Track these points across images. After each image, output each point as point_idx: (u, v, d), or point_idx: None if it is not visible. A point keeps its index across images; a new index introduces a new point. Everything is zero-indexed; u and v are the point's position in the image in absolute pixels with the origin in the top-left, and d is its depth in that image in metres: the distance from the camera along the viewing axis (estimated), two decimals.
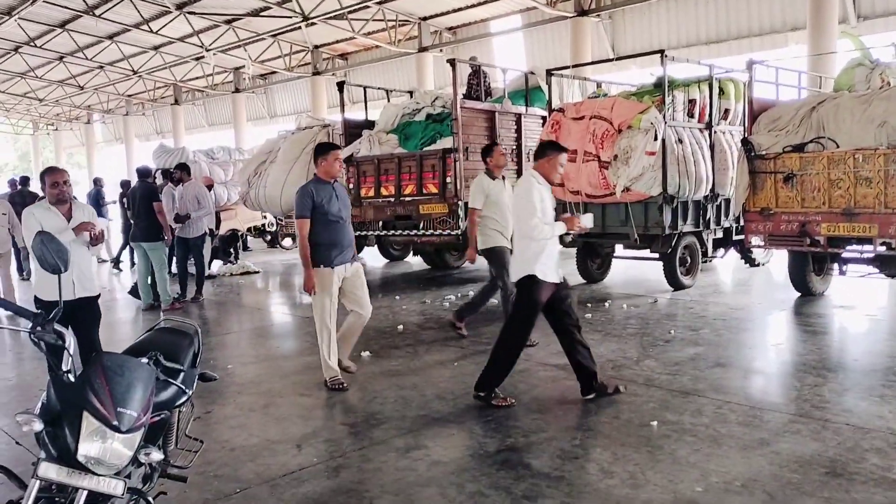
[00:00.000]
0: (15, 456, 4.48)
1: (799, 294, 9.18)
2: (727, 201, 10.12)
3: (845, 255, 8.65)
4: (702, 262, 10.50)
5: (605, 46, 18.55)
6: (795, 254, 8.85)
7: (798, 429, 4.60)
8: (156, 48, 26.05)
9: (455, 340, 7.45)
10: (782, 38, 16.09)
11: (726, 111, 10.15)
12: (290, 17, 21.00)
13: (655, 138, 8.89)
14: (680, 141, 9.27)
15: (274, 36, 23.80)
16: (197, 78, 30.03)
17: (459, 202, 10.15)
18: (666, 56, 9.26)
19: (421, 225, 10.90)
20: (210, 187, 13.82)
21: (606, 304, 9.20)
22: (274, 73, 27.74)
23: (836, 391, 5.39)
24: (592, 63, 14.96)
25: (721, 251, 10.90)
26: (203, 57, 25.94)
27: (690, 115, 9.72)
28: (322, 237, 5.72)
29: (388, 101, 13.29)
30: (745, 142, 8.67)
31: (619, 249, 10.67)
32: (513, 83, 11.99)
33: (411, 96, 13.26)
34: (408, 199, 10.97)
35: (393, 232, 11.48)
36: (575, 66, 11.64)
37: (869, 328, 7.73)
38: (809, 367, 6.05)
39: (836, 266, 9.02)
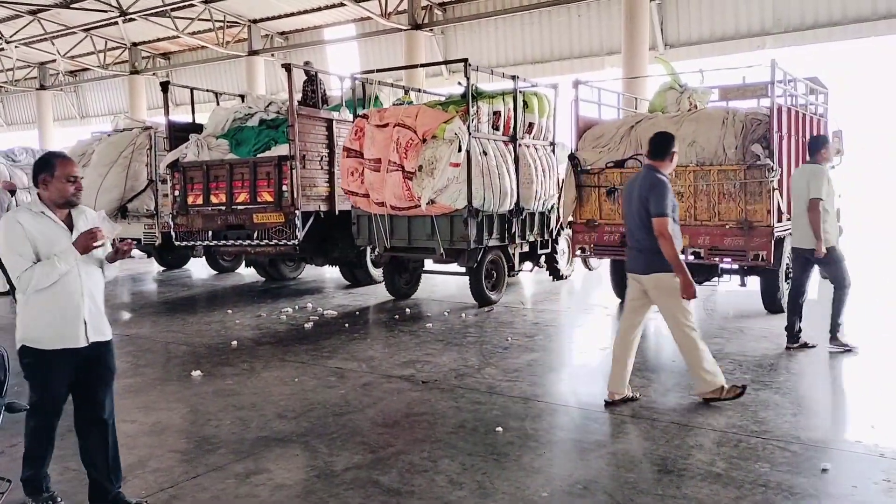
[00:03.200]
0: None
1: (620, 300, 9.79)
2: (531, 215, 10.26)
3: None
4: (508, 276, 10.54)
5: (437, 60, 18.91)
6: (616, 263, 9.44)
7: (630, 429, 4.86)
8: None
9: (294, 355, 7.19)
10: (600, 61, 17.27)
11: (531, 125, 10.13)
12: (106, 11, 19.53)
13: (460, 149, 8.71)
14: (485, 153, 9.13)
15: (87, 30, 22.04)
16: None
17: (297, 211, 9.86)
18: (469, 65, 9.13)
19: (255, 235, 10.44)
20: (12, 192, 12.46)
21: (446, 314, 9.30)
22: (86, 70, 25.66)
23: (660, 391, 5.77)
24: (401, 68, 14.85)
25: (528, 265, 11.10)
26: (2, 49, 23.43)
27: (496, 128, 9.58)
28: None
29: (218, 104, 12.67)
30: (573, 157, 9.14)
31: (428, 263, 10.44)
32: (350, 91, 11.86)
33: (243, 100, 12.74)
34: (240, 207, 10.48)
35: (224, 242, 10.90)
36: (381, 71, 11.21)
37: None
38: (635, 369, 6.40)
39: None
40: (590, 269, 13.17)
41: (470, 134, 8.86)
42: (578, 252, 9.46)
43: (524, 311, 9.55)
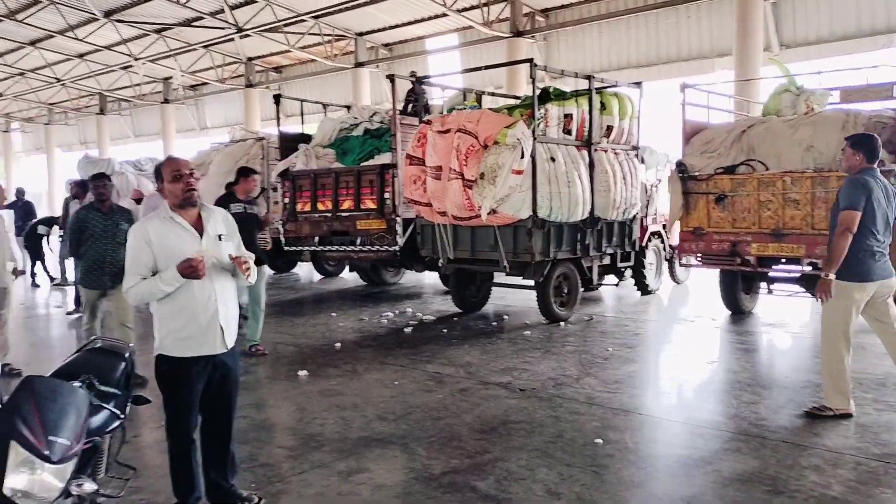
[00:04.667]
0: None
1: (729, 312, 9.43)
2: (609, 225, 9.55)
3: (773, 274, 8.94)
4: (586, 291, 10.10)
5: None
6: (726, 272, 9.09)
7: (738, 447, 4.66)
8: (81, 56, 25.16)
9: (394, 359, 7.33)
10: (710, 64, 16.68)
11: (609, 128, 9.41)
12: (224, 29, 20.60)
13: (522, 155, 8.12)
14: (553, 159, 8.54)
15: (206, 47, 23.31)
16: (124, 87, 29.10)
17: (398, 218, 10.05)
18: (535, 66, 8.63)
19: (358, 241, 10.74)
20: (139, 200, 13.32)
21: (545, 322, 9.22)
22: (205, 84, 27.14)
23: (772, 408, 5.51)
24: (466, 71, 14.41)
25: (612, 278, 10.54)
26: (131, 66, 25.18)
27: (567, 132, 8.94)
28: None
29: (325, 115, 13.12)
30: (680, 163, 8.87)
31: (497, 275, 9.75)
32: (451, 100, 12.00)
33: (348, 111, 13.13)
34: (345, 214, 10.80)
35: (329, 248, 11.26)
36: (445, 75, 11.16)
37: (795, 346, 7.99)
38: (744, 384, 6.18)
39: (763, 285, 9.30)
40: (677, 283, 12.37)
41: (535, 139, 8.31)
42: (683, 262, 9.16)
43: (625, 322, 9.34)
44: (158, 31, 21.97)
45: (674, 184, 8.91)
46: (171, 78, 26.52)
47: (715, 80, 13.59)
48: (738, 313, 9.35)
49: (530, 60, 8.84)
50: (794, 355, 7.60)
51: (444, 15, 18.76)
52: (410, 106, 11.41)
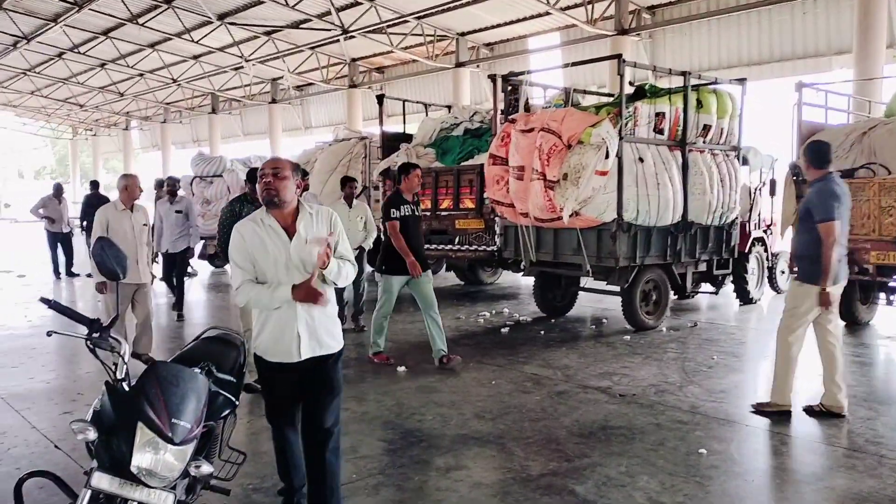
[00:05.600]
0: (54, 461, 4.49)
1: (843, 323, 8.93)
2: (705, 230, 9.08)
3: (893, 284, 8.42)
4: (680, 299, 9.66)
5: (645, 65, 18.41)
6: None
7: (853, 464, 4.43)
8: (195, 57, 26.44)
9: (491, 358, 7.36)
10: (826, 62, 15.83)
11: (706, 127, 8.94)
12: (330, 31, 21.18)
13: (607, 156, 7.76)
14: (641, 160, 8.19)
15: (312, 48, 24.04)
16: (234, 88, 30.41)
17: (496, 218, 10.07)
18: (624, 62, 8.25)
19: (456, 240, 10.84)
20: None
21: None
22: (310, 84, 27.99)
23: (890, 426, 5.20)
24: (554, 69, 14.62)
25: (709, 287, 10.04)
26: (242, 67, 26.26)
27: (659, 131, 8.56)
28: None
29: (427, 115, 13.29)
30: (794, 166, 8.47)
31: (584, 281, 9.39)
32: (553, 100, 11.90)
33: (449, 111, 13.25)
34: (444, 213, 10.93)
35: (428, 246, 11.40)
36: (530, 72, 10.72)
37: None
38: (860, 399, 5.85)
39: (882, 295, 8.77)
40: (778, 293, 11.38)
41: (622, 138, 7.98)
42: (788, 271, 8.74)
43: (730, 330, 9.00)
44: (268, 34, 22.83)
45: (788, 188, 8.51)
46: (279, 78, 27.49)
47: (832, 80, 12.91)
48: (854, 324, 8.85)
49: (619, 56, 8.46)
50: None
51: (547, 13, 18.60)
52: (511, 106, 11.38)
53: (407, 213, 6.83)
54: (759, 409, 5.47)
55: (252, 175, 5.54)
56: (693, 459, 4.51)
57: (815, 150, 5.29)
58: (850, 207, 5.36)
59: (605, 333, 8.71)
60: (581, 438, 4.92)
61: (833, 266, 5.05)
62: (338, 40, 22.26)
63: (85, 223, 14.68)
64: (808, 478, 4.26)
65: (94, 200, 14.71)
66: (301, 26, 21.68)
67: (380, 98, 12.40)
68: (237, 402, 3.39)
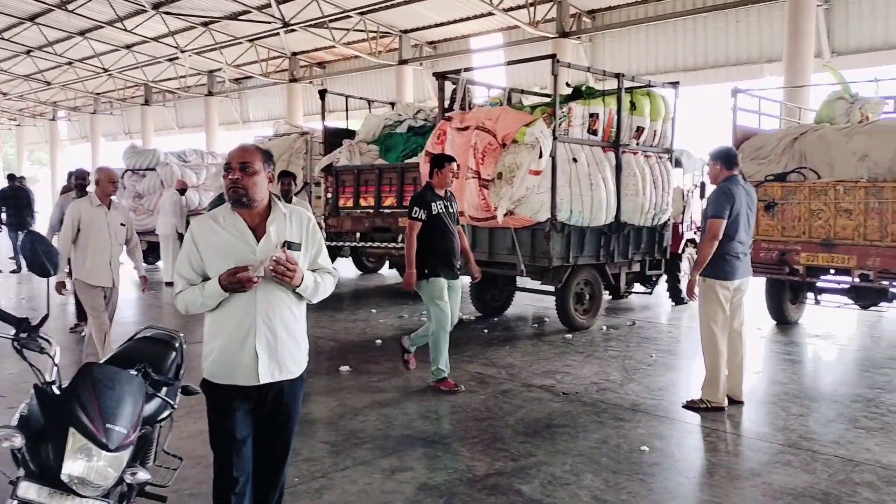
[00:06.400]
0: None
1: (774, 322, 9.24)
2: (638, 231, 9.13)
3: (821, 284, 8.73)
4: (614, 299, 9.71)
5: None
6: (773, 282, 8.90)
7: (788, 460, 4.55)
8: (128, 47, 25.57)
9: None
10: (758, 69, 16.36)
11: (639, 129, 8.98)
12: (270, 23, 20.78)
13: (541, 155, 7.72)
14: (575, 160, 8.17)
15: (251, 41, 23.55)
16: (169, 79, 29.53)
17: None
18: (559, 62, 8.18)
19: (399, 238, 10.75)
20: (183, 191, 13.54)
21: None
22: (249, 77, 27.43)
23: (821, 422, 5.38)
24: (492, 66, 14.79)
25: (643, 287, 10.14)
26: (177, 58, 25.53)
27: (593, 132, 8.53)
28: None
29: (370, 111, 13.16)
30: None
31: (522, 280, 9.37)
32: (490, 99, 11.90)
33: (393, 108, 13.15)
34: (387, 211, 10.84)
35: (370, 244, 11.32)
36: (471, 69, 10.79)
37: (843, 358, 7.79)
38: (792, 396, 6.04)
39: (811, 295, 9.09)
40: (680, 303, 10.85)
41: (556, 138, 7.93)
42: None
43: (667, 328, 9.20)
44: (205, 24, 22.23)
45: None
46: (216, 71, 26.83)
47: (764, 86, 13.33)
48: (784, 323, 9.15)
49: (553, 56, 8.42)
50: (842, 368, 7.41)
51: (490, 14, 18.68)
52: (457, 105, 11.36)
53: (439, 210, 6.03)
54: (692, 405, 5.60)
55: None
56: (636, 457, 4.56)
57: (728, 154, 5.65)
58: (753, 208, 5.65)
59: (547, 332, 8.78)
60: (526, 437, 4.93)
61: (728, 261, 5.43)
62: (278, 33, 21.86)
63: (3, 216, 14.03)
64: (746, 474, 4.36)
65: (9, 193, 14.11)
66: (240, 18, 21.22)
67: (322, 93, 12.23)
68: (175, 406, 3.26)
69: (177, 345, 3.68)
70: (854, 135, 8.13)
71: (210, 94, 29.22)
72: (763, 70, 16.36)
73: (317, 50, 24.44)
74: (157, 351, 3.50)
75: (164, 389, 3.18)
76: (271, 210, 2.85)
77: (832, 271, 8.27)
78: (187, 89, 29.36)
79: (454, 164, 6.29)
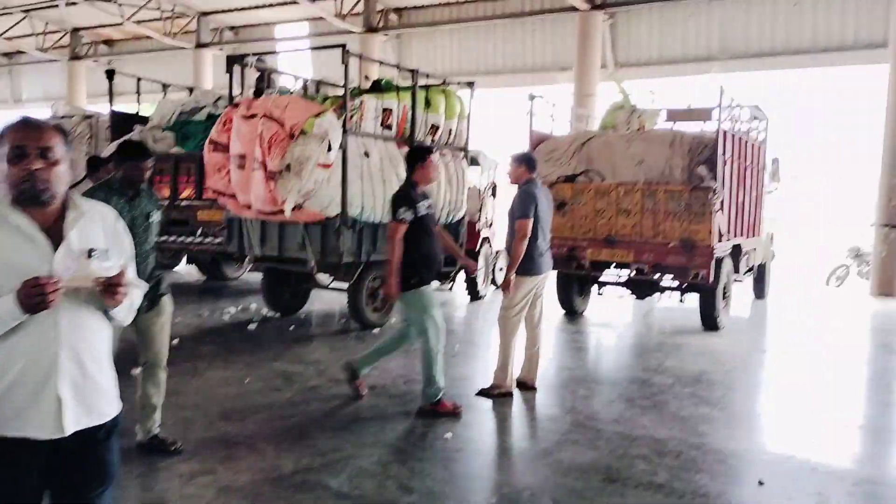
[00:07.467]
0: None
1: (564, 312, 9.96)
2: None
3: (603, 278, 9.56)
4: None
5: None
6: (563, 275, 9.59)
7: (576, 438, 4.95)
8: None
9: (238, 356, 7.07)
10: (552, 76, 17.55)
11: (434, 127, 8.86)
12: None
13: (329, 148, 7.51)
14: (367, 154, 7.98)
15: (26, 11, 21.22)
16: None
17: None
18: (348, 52, 7.89)
19: (198, 232, 10.22)
20: None
21: (393, 319, 9.26)
22: (22, 53, 24.68)
23: (604, 402, 5.90)
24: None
25: (439, 283, 10.04)
26: None
27: (387, 127, 8.36)
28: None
29: (165, 96, 12.37)
30: None
31: (321, 278, 9.00)
32: (279, 88, 11.53)
33: (191, 93, 12.47)
34: (184, 203, 10.26)
35: (166, 238, 10.62)
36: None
37: (620, 344, 8.61)
38: (579, 379, 6.57)
39: (595, 287, 9.92)
40: (498, 287, 11.08)
41: (346, 131, 7.69)
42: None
43: (468, 321, 9.60)
44: None
45: None
46: None
47: (559, 92, 14.34)
48: (572, 314, 9.90)
49: (343, 46, 8.06)
50: (620, 353, 8.18)
51: (295, 2, 18.33)
52: (261, 93, 11.01)
53: (424, 213, 5.36)
54: (484, 392, 5.90)
55: (128, 150, 4.18)
56: (440, 444, 4.73)
57: (529, 158, 6.10)
58: (551, 208, 6.12)
59: (354, 327, 8.78)
60: (334, 432, 4.92)
61: (534, 258, 5.80)
62: (57, 5, 19.88)
63: None
64: (539, 453, 4.67)
65: None
66: None
67: (109, 73, 11.27)
68: None
69: None
70: (633, 141, 8.99)
71: None
72: (556, 78, 17.59)
73: (104, 27, 22.54)
74: None
75: None
76: (67, 207, 2.16)
77: (613, 265, 9.09)
78: None
79: (435, 156, 6.06)
